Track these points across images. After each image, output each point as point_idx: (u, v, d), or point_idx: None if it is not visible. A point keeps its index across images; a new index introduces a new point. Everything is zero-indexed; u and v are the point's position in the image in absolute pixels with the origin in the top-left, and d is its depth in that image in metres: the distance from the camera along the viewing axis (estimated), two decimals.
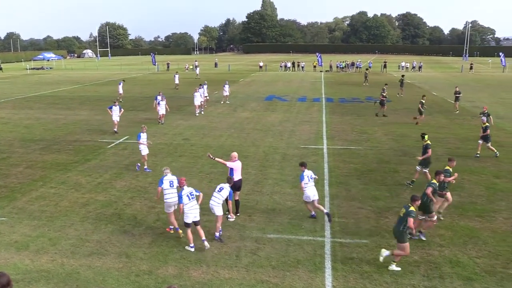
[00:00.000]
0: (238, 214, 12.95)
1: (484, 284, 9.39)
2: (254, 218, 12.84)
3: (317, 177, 13.15)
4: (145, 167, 17.56)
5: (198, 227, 10.96)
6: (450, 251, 10.82)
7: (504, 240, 11.36)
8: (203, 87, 34.80)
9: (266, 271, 9.96)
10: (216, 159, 13.56)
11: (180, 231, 11.57)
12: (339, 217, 12.88)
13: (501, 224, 12.37)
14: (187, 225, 10.90)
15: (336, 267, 10.10)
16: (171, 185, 11.77)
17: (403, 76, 44.58)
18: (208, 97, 35.31)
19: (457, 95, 32.10)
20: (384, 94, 30.82)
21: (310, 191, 12.40)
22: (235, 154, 13.38)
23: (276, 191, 15.04)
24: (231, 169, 12.98)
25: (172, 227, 11.86)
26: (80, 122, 28.38)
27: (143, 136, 17.49)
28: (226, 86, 36.98)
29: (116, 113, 24.25)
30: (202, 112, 31.20)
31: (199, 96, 31.01)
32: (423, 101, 27.74)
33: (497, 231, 11.92)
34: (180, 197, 10.88)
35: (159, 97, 27.71)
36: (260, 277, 9.69)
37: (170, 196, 11.68)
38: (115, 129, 24.41)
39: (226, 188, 11.73)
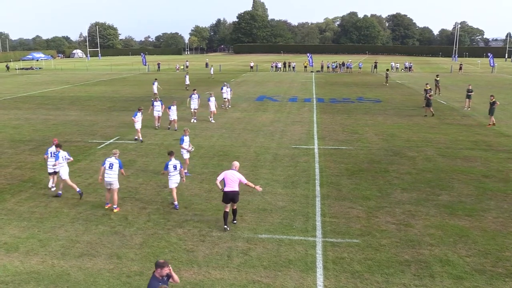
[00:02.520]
0: (235, 222, 12.42)
1: (474, 282, 9.48)
2: (245, 218, 12.84)
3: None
4: (186, 171, 16.73)
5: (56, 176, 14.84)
6: (440, 250, 10.91)
7: (494, 238, 11.47)
8: (223, 88, 33.39)
9: (257, 271, 9.96)
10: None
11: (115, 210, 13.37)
12: (330, 217, 12.92)
13: (490, 223, 12.50)
14: (50, 174, 15.02)
15: (327, 266, 10.13)
16: (111, 167, 13.26)
17: (437, 76, 44.92)
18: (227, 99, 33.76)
19: (469, 93, 33.11)
20: (430, 94, 30.96)
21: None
22: (235, 163, 12.27)
23: (267, 191, 15.05)
24: (223, 179, 11.99)
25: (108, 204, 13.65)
26: (70, 122, 28.18)
27: (186, 139, 16.74)
28: (226, 89, 34.10)
29: (139, 120, 22.45)
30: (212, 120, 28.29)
31: (214, 102, 28.50)
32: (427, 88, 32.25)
33: (486, 230, 12.04)
34: (50, 154, 14.90)
35: (156, 103, 25.95)
36: (251, 277, 9.70)
37: (107, 176, 13.24)
38: (140, 138, 22.55)
39: (177, 162, 13.41)
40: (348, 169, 17.66)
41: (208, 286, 9.38)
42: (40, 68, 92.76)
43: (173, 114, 25.16)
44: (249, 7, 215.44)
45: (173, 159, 13.32)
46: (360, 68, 77.92)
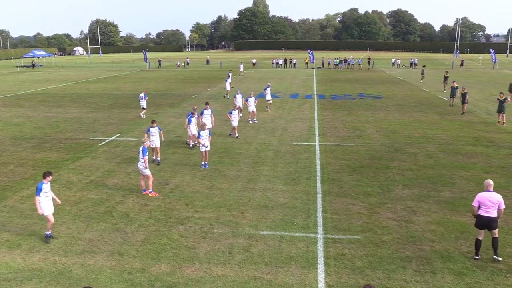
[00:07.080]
0: (496, 257, 10.28)
1: (475, 278, 9.48)
2: (246, 215, 12.85)
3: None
4: (206, 162, 17.79)
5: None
6: (442, 246, 10.91)
7: None
8: (266, 89, 31.53)
9: (259, 267, 9.98)
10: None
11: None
12: (331, 213, 12.93)
13: None
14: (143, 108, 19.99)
15: (328, 263, 10.14)
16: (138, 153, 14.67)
17: (446, 72, 44.92)
18: (270, 101, 31.43)
19: None
20: (464, 90, 29.76)
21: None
22: (487, 182, 10.53)
23: (268, 188, 15.05)
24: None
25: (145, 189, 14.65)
26: (71, 120, 28.19)
27: (204, 134, 17.42)
28: (238, 96, 28.36)
29: (193, 126, 20.26)
30: (256, 121, 27.11)
31: (253, 102, 26.87)
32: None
33: None
34: (141, 97, 21.19)
35: (193, 118, 20.35)
36: (253, 274, 9.71)
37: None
38: (193, 143, 20.65)
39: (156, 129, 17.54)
40: (349, 166, 17.65)
41: (209, 282, 9.40)
42: (41, 65, 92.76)
43: (235, 120, 22.61)
44: (250, 4, 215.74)
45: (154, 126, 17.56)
46: (359, 64, 77.89)
